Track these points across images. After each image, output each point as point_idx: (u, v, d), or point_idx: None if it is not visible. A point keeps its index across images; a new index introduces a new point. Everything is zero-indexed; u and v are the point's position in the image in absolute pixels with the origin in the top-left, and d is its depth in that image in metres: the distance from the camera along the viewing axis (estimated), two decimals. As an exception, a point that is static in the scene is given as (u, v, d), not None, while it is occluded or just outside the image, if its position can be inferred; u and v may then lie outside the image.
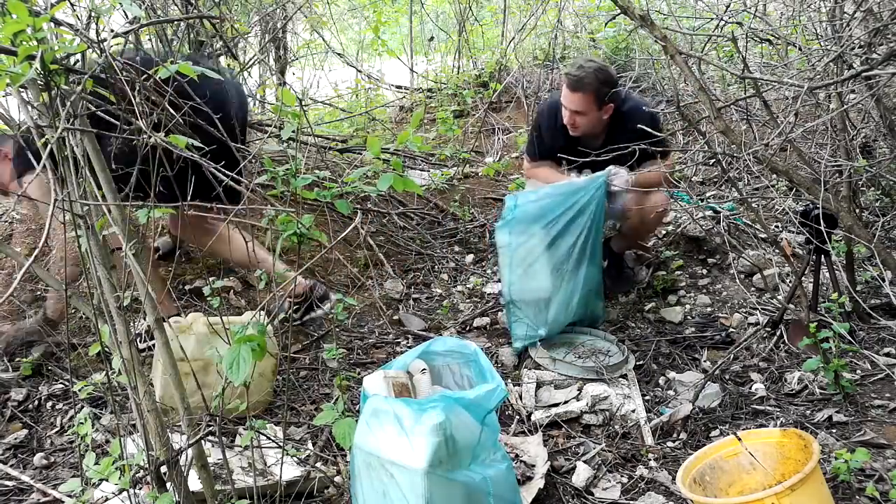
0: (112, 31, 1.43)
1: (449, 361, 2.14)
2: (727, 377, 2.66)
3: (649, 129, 2.45)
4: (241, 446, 2.08)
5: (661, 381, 2.69)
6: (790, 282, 3.09)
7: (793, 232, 3.63)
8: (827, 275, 2.78)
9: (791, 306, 2.83)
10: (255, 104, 4.89)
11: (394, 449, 1.65)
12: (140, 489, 1.68)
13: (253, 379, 2.18)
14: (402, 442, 1.64)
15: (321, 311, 2.82)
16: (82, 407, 2.30)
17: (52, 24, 1.29)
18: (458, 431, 1.65)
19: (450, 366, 2.14)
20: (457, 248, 3.82)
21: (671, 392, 2.61)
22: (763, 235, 3.51)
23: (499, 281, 3.15)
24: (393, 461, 1.65)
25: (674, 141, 4.89)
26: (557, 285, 2.83)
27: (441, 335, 2.99)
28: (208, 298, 2.12)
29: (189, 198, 1.61)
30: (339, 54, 5.98)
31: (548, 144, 3.11)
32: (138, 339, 2.54)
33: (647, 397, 2.57)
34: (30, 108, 1.37)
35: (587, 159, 2.72)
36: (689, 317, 3.15)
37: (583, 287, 2.86)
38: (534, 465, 2.17)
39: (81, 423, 1.73)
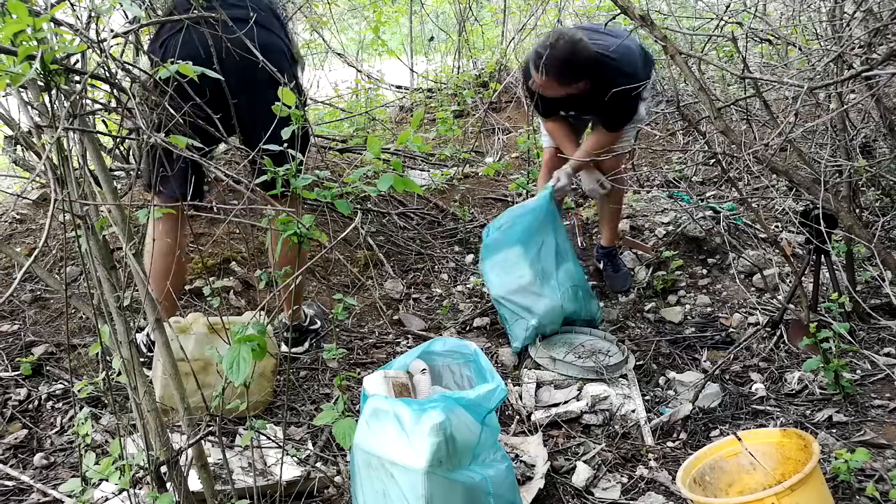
0: (112, 31, 1.43)
1: (449, 362, 2.14)
2: (727, 377, 2.66)
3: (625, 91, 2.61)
4: (241, 446, 2.09)
5: (661, 381, 2.69)
6: (790, 282, 3.09)
7: (793, 232, 3.63)
8: (827, 275, 2.78)
9: (791, 306, 2.83)
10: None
11: (394, 449, 1.65)
12: (140, 489, 1.68)
13: (253, 379, 2.19)
14: (402, 442, 1.64)
15: (305, 346, 2.84)
16: (82, 407, 2.30)
17: (52, 24, 1.29)
18: (458, 431, 1.65)
19: (450, 366, 2.14)
20: (457, 248, 3.82)
21: (671, 392, 2.61)
22: (763, 235, 3.51)
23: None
24: (393, 461, 1.65)
25: (674, 141, 4.89)
26: (539, 278, 2.87)
27: (441, 335, 2.99)
28: (208, 298, 2.12)
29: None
30: (339, 54, 5.98)
31: (544, 102, 3.11)
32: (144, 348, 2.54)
33: (647, 397, 2.57)
34: (30, 108, 1.37)
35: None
36: (689, 317, 3.15)
37: (567, 280, 2.90)
38: (534, 465, 2.17)
39: (81, 423, 1.73)
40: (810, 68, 3.17)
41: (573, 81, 2.84)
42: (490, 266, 2.98)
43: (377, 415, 1.71)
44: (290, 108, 1.55)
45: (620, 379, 2.62)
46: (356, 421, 1.77)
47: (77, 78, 1.34)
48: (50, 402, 2.47)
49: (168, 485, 1.57)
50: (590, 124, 3.66)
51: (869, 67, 2.10)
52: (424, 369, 2.06)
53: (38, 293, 2.97)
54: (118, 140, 3.80)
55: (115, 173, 3.78)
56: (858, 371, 2.60)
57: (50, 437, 2.32)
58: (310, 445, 2.27)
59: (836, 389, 2.44)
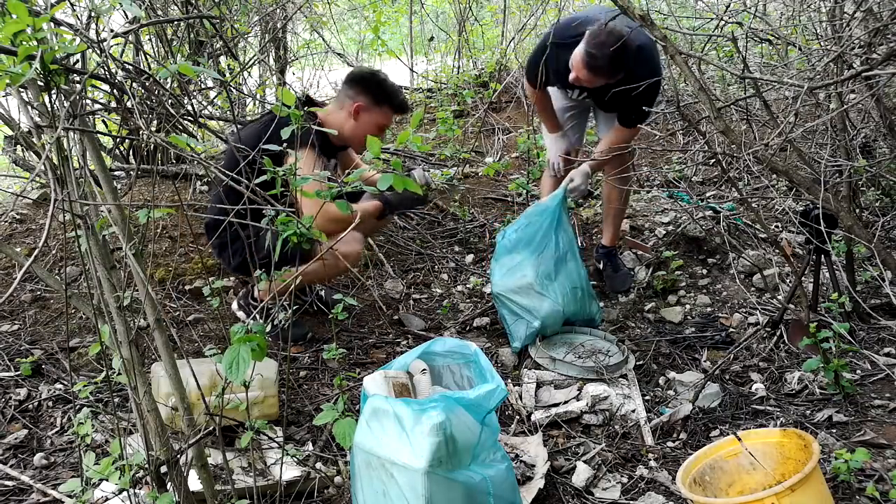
0: (112, 31, 1.43)
1: (449, 362, 2.14)
2: (727, 377, 2.66)
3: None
4: (240, 448, 2.08)
5: (661, 381, 2.69)
6: (790, 282, 3.09)
7: (793, 232, 3.63)
8: (827, 275, 2.78)
9: (791, 306, 2.83)
10: (255, 104, 4.90)
11: (394, 449, 1.65)
12: (140, 489, 1.68)
13: (261, 401, 2.18)
14: (402, 442, 1.64)
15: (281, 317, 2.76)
16: (82, 407, 2.29)
17: (52, 24, 1.29)
18: (458, 431, 1.65)
19: (450, 366, 2.14)
20: (457, 248, 3.82)
21: (671, 392, 2.61)
22: (763, 235, 3.51)
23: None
24: (393, 461, 1.65)
25: (674, 141, 4.90)
26: (542, 280, 2.87)
27: (441, 335, 2.99)
28: (208, 299, 2.12)
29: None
30: (339, 54, 5.98)
31: (552, 72, 3.08)
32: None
33: (647, 397, 2.57)
34: (30, 108, 1.37)
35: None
36: (689, 317, 3.15)
37: (568, 282, 2.90)
38: (534, 465, 2.17)
39: (81, 423, 1.73)
40: (810, 68, 3.17)
41: (617, 74, 2.82)
42: (499, 266, 2.99)
43: (377, 415, 1.71)
44: (289, 107, 1.55)
45: (620, 379, 2.62)
46: (356, 421, 1.77)
47: (77, 78, 1.34)
48: (50, 402, 2.47)
49: (168, 485, 1.57)
50: (588, 120, 3.64)
51: (869, 67, 2.10)
52: (424, 369, 2.06)
53: (38, 293, 2.97)
54: (118, 140, 3.81)
55: (115, 173, 3.78)
56: (858, 371, 2.60)
57: (50, 438, 2.32)
58: (310, 445, 2.27)
59: (836, 389, 2.44)
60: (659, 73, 2.90)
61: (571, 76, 2.88)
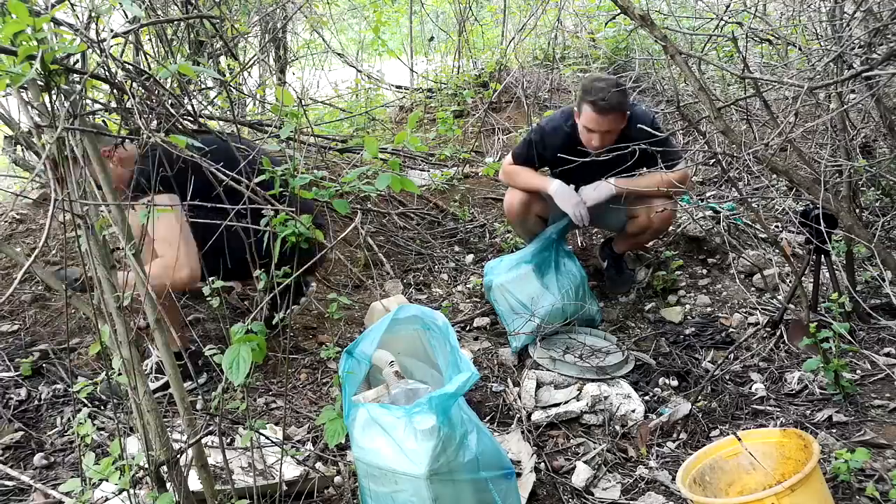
0: (112, 31, 1.43)
1: (409, 331, 2.04)
2: (727, 377, 2.66)
3: (651, 131, 2.50)
4: (241, 447, 2.08)
5: (661, 381, 2.69)
6: (790, 282, 3.09)
7: (793, 232, 3.63)
8: (827, 275, 2.78)
9: (791, 306, 2.83)
10: (255, 104, 4.90)
11: (392, 459, 1.66)
12: (140, 489, 1.68)
13: None
14: (399, 451, 1.65)
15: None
16: (81, 408, 2.30)
17: (52, 24, 1.29)
18: (449, 429, 1.65)
19: (414, 338, 2.07)
20: (457, 248, 3.82)
21: (671, 392, 2.61)
22: (763, 235, 3.51)
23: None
24: (394, 470, 1.66)
25: (675, 140, 4.89)
26: (540, 278, 2.91)
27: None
28: (208, 299, 2.11)
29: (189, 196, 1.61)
30: (339, 54, 5.98)
31: (548, 149, 3.03)
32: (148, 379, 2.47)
33: (646, 397, 2.57)
34: (30, 108, 1.36)
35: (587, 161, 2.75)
36: (689, 317, 3.15)
37: (567, 281, 2.94)
38: (519, 462, 2.17)
39: (81, 423, 1.73)
40: (810, 68, 3.17)
41: (626, 110, 2.82)
42: (501, 264, 3.05)
43: (368, 428, 1.71)
44: (288, 107, 1.55)
45: (620, 379, 2.62)
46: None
47: (77, 78, 1.34)
48: (50, 403, 2.47)
49: (168, 485, 1.57)
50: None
51: (869, 67, 2.10)
52: (392, 361, 2.01)
53: (39, 293, 2.97)
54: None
55: (115, 173, 3.77)
56: (858, 371, 2.60)
57: (50, 438, 2.32)
58: (310, 445, 2.27)
59: (836, 389, 2.44)
60: (658, 131, 2.71)
61: (594, 141, 2.82)
